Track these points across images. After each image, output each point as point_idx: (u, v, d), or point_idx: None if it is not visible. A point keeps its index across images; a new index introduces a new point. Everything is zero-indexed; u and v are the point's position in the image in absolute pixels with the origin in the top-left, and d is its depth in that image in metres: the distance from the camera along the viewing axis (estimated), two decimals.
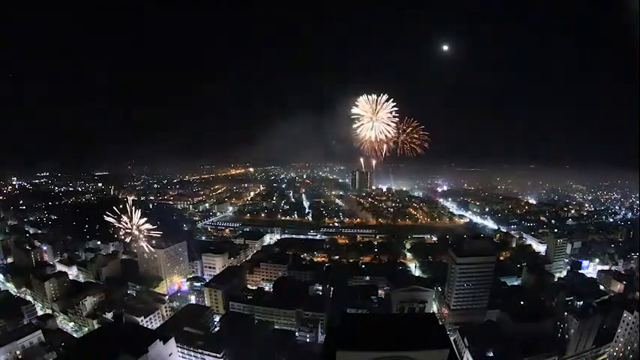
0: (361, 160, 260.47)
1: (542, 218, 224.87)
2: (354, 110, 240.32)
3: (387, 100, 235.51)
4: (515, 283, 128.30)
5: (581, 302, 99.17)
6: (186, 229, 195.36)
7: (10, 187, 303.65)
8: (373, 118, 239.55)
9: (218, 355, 78.73)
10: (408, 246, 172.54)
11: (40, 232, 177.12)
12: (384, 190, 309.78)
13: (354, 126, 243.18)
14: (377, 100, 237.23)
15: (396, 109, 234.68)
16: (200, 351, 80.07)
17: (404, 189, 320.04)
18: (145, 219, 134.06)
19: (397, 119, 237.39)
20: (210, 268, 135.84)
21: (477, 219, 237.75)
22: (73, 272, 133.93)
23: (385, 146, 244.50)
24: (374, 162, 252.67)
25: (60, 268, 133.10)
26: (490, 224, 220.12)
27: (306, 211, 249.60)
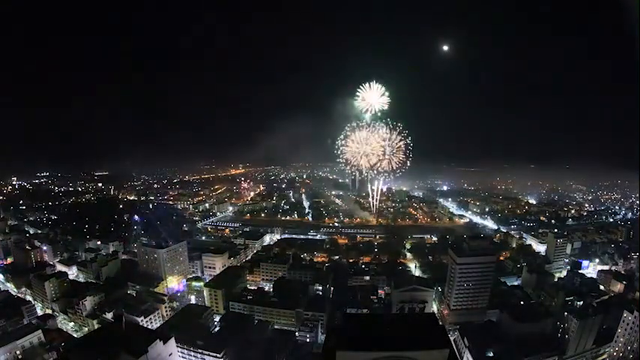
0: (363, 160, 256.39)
1: (542, 218, 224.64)
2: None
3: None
4: (515, 283, 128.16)
5: (581, 302, 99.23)
6: (186, 229, 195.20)
7: (10, 187, 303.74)
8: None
9: (218, 355, 78.66)
10: (408, 246, 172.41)
11: (40, 232, 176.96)
12: (384, 190, 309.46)
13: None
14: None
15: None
16: (200, 351, 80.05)
17: (404, 189, 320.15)
18: None
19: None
20: (210, 268, 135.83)
21: (477, 219, 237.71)
22: (73, 272, 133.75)
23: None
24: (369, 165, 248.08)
25: (60, 268, 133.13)
26: (490, 224, 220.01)
27: (306, 211, 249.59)
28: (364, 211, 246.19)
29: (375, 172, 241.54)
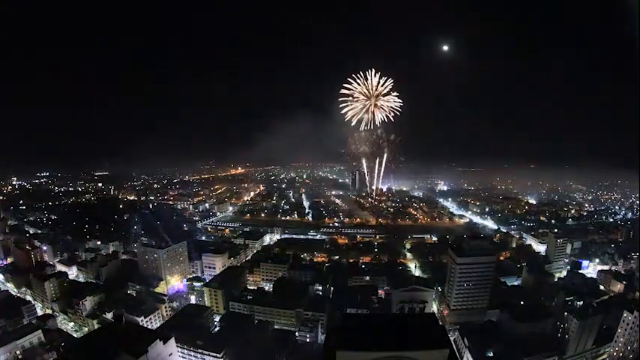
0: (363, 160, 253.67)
1: (542, 218, 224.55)
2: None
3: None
4: (515, 283, 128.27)
5: (581, 302, 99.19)
6: (186, 229, 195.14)
7: (10, 187, 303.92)
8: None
9: (218, 355, 78.72)
10: (408, 246, 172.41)
11: (40, 232, 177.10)
12: (384, 190, 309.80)
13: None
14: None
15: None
16: (200, 351, 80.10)
17: (404, 189, 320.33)
18: None
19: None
20: (210, 268, 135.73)
21: (477, 219, 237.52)
22: (73, 272, 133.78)
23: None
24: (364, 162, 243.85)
25: (60, 268, 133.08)
26: (490, 224, 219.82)
27: (306, 211, 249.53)
28: (364, 211, 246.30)
29: (375, 171, 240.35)
